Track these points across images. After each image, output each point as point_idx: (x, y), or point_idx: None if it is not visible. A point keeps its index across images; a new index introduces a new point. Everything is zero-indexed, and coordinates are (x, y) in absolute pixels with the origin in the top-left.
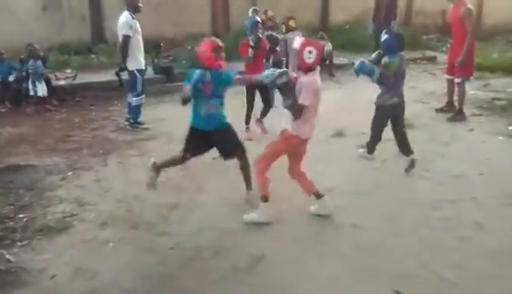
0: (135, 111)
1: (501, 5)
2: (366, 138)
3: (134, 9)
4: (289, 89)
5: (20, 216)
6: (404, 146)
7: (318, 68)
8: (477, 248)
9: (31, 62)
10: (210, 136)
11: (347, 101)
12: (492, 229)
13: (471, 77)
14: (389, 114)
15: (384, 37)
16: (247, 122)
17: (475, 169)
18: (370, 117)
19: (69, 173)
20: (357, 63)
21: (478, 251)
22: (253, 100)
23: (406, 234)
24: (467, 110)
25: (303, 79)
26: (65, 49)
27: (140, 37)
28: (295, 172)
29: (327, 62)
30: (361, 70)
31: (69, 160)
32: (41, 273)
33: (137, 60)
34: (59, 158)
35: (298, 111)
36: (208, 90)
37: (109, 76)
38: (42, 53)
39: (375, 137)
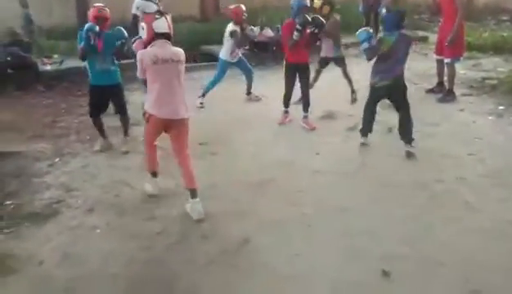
0: None
1: None
2: (355, 120)
3: None
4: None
5: (7, 202)
6: (401, 131)
7: (160, 40)
8: (465, 227)
9: None
10: (107, 91)
11: (337, 83)
12: (481, 209)
13: (461, 58)
14: (380, 96)
15: (383, 13)
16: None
17: (465, 149)
18: (360, 98)
19: (57, 159)
20: (360, 30)
21: (467, 231)
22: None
23: (394, 215)
24: (457, 90)
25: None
26: (52, 34)
27: None
28: (176, 156)
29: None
30: (360, 36)
31: (56, 146)
32: (28, 260)
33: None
34: (46, 144)
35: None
36: (100, 46)
37: None
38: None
39: (365, 119)
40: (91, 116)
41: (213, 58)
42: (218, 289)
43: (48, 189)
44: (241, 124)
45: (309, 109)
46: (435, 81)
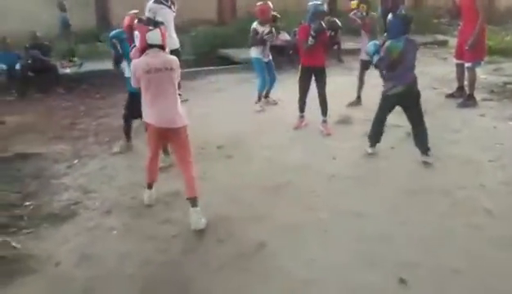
0: None
1: None
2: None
3: None
4: None
5: (27, 203)
6: (417, 141)
7: (153, 49)
8: (485, 235)
9: None
10: None
11: (354, 88)
12: (502, 216)
13: (482, 62)
14: (393, 105)
15: (389, 19)
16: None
17: (485, 155)
18: (376, 105)
19: (75, 161)
20: (368, 44)
21: (487, 239)
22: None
23: (413, 222)
24: (478, 95)
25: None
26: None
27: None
28: (178, 164)
29: (335, 47)
30: (369, 50)
31: (74, 148)
32: (46, 261)
33: None
34: (65, 146)
35: None
36: None
37: None
38: (46, 42)
39: (374, 128)
40: (125, 120)
41: (230, 61)
42: (233, 293)
43: (66, 191)
44: (258, 128)
45: (328, 113)
46: (455, 85)
